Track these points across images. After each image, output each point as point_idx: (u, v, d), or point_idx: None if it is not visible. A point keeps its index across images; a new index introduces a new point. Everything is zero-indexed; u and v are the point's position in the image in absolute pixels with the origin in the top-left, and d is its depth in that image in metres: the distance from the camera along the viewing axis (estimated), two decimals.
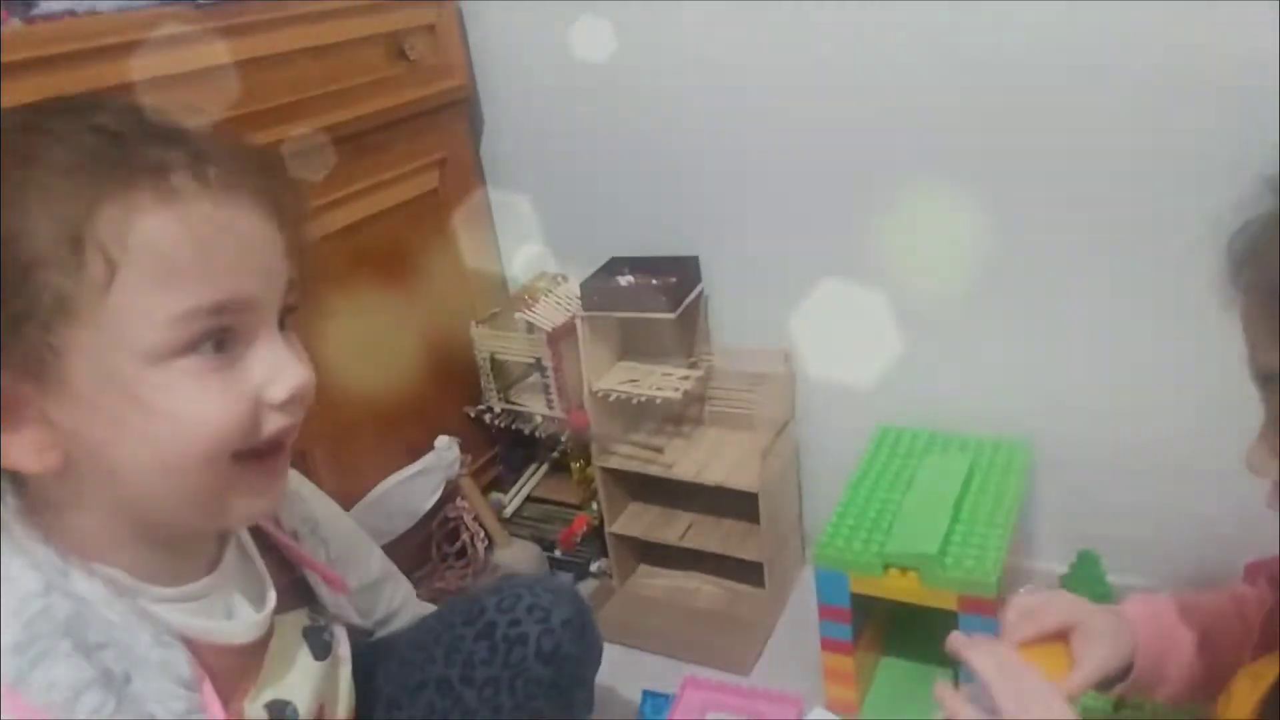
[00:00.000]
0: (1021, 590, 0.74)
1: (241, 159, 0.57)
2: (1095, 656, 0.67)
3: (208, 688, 0.60)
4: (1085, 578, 1.15)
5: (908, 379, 1.20)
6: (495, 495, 1.39)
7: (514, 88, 1.31)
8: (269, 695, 0.66)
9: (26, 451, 0.53)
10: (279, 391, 0.56)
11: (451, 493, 1.31)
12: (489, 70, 1.31)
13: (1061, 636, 0.68)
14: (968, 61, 1.03)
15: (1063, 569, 1.17)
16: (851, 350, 1.22)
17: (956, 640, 0.69)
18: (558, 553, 1.36)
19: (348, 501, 1.17)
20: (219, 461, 0.56)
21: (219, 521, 0.63)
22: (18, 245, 0.49)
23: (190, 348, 0.53)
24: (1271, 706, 0.56)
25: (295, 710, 0.67)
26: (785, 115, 1.15)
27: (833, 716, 1.10)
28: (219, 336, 0.54)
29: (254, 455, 0.58)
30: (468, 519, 1.31)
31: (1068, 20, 0.97)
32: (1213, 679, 0.66)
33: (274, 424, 0.57)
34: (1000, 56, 1.01)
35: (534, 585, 0.86)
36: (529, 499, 1.40)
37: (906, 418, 1.21)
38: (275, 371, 0.56)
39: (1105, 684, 0.69)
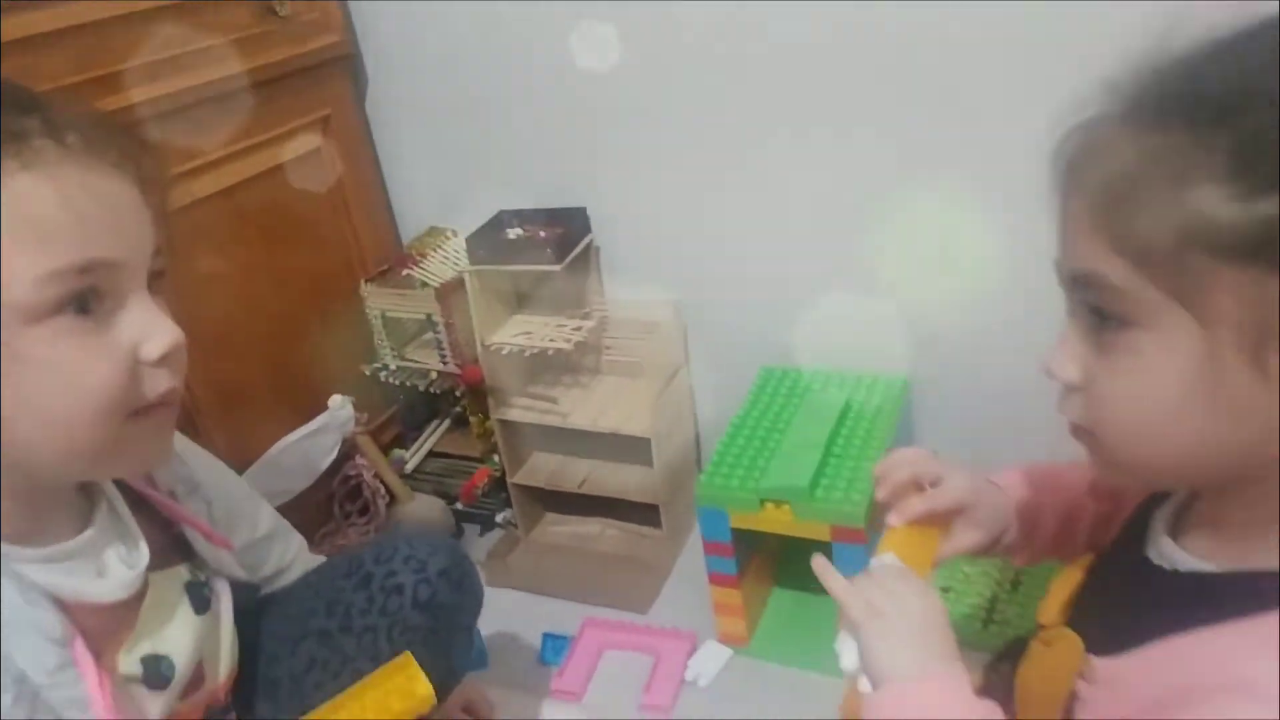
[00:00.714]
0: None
1: (102, 127, 0.58)
2: (970, 538, 0.70)
3: (79, 644, 0.61)
4: None
5: (789, 321, 1.24)
6: (397, 452, 1.41)
7: (397, 43, 1.30)
8: (145, 649, 0.67)
9: None
10: (153, 350, 0.58)
11: (350, 451, 1.32)
12: (370, 27, 1.30)
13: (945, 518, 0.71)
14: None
15: None
16: (736, 296, 1.26)
17: (818, 564, 0.69)
18: (459, 505, 1.38)
19: (243, 463, 1.18)
20: (111, 420, 0.58)
21: (108, 474, 0.66)
22: None
23: (61, 307, 0.55)
24: (1078, 607, 0.61)
25: (171, 664, 0.69)
26: (671, 65, 1.16)
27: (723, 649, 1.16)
28: (88, 298, 0.56)
29: (141, 413, 0.60)
30: (368, 476, 1.32)
31: None
32: (1070, 545, 0.71)
33: (155, 383, 0.60)
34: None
35: (412, 538, 0.90)
36: (432, 454, 1.42)
37: (789, 358, 1.26)
38: (147, 331, 0.58)
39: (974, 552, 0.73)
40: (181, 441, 0.82)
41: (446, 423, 1.43)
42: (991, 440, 1.21)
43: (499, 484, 1.38)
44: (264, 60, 1.16)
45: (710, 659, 1.15)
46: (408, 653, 0.80)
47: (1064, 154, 0.47)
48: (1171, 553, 0.53)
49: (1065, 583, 0.63)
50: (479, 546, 1.40)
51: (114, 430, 0.58)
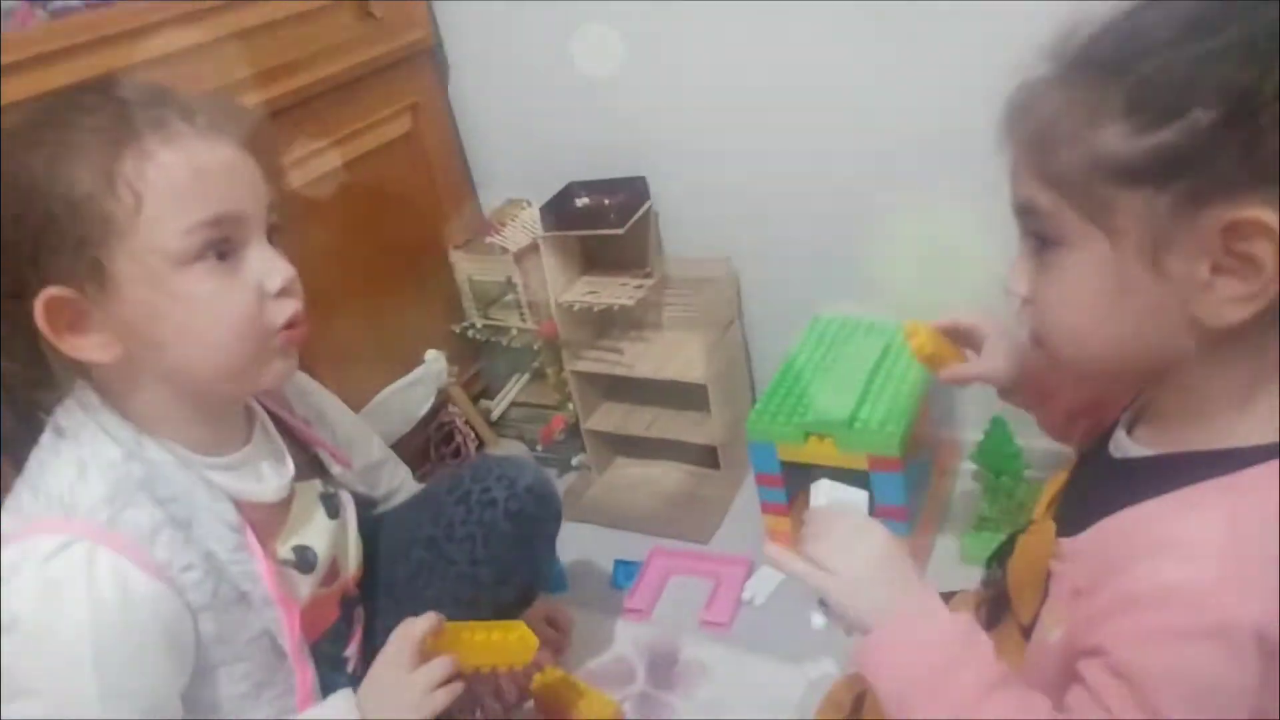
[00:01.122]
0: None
1: (221, 109, 0.74)
2: (990, 364, 0.83)
3: (249, 533, 0.78)
4: (998, 440, 1.30)
5: (836, 274, 1.33)
6: (484, 402, 1.57)
7: (475, 36, 1.44)
8: (294, 541, 0.85)
9: (94, 347, 0.71)
10: (274, 283, 0.75)
11: (444, 401, 1.48)
12: (451, 22, 1.45)
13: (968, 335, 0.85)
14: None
15: (979, 436, 1.33)
16: (787, 252, 1.37)
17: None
18: (539, 449, 1.53)
19: (352, 409, 1.35)
20: (248, 340, 0.74)
21: (251, 386, 0.81)
22: (71, 189, 0.67)
23: (203, 253, 0.71)
24: (1059, 502, 0.71)
25: (315, 554, 0.86)
26: (717, 55, 1.28)
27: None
28: (221, 246, 0.72)
29: (273, 336, 0.76)
30: (459, 423, 1.48)
31: None
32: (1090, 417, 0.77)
33: (279, 311, 0.76)
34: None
35: (503, 460, 1.05)
36: (514, 404, 1.58)
37: (837, 308, 1.36)
38: (268, 269, 0.75)
39: (1003, 392, 0.86)
40: (309, 381, 1.00)
41: (526, 375, 1.58)
42: None
43: (574, 430, 1.53)
44: (362, 57, 1.32)
45: (765, 581, 1.27)
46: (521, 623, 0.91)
47: (1008, 107, 0.57)
48: (1123, 444, 0.62)
49: (1053, 484, 0.72)
50: (558, 487, 1.55)
51: (253, 349, 0.74)
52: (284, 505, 0.85)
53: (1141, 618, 0.53)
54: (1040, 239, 0.56)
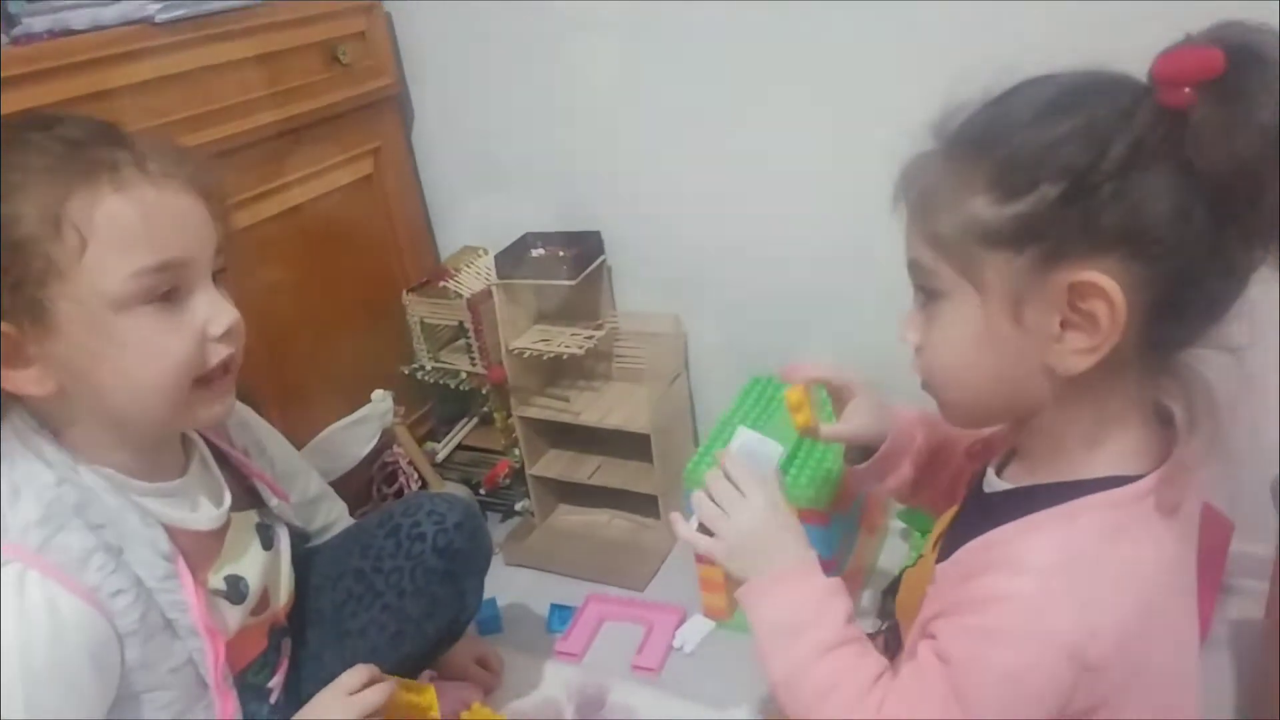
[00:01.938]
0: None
1: (173, 154, 0.76)
2: (855, 423, 0.88)
3: (180, 562, 0.79)
4: None
5: (777, 336, 1.39)
6: (430, 444, 1.59)
7: (439, 82, 1.50)
8: (227, 570, 0.86)
9: (30, 381, 0.72)
10: (217, 327, 0.76)
11: (389, 440, 1.49)
12: (417, 67, 1.50)
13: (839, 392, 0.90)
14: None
15: None
16: (731, 313, 1.43)
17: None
18: (483, 493, 1.55)
19: (296, 445, 1.36)
20: (181, 385, 0.75)
21: (184, 426, 0.83)
22: (14, 228, 0.68)
23: (147, 298, 0.72)
24: (944, 542, 0.75)
25: (247, 584, 0.87)
26: (677, 120, 1.33)
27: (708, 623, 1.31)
28: (166, 289, 0.73)
29: (207, 379, 0.77)
30: (403, 463, 1.50)
31: None
32: (932, 490, 0.88)
33: (218, 354, 0.77)
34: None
35: (434, 496, 1.07)
36: (460, 447, 1.59)
37: (776, 368, 1.40)
38: (213, 312, 0.76)
39: (852, 456, 0.91)
40: (251, 414, 1.01)
41: (474, 419, 1.60)
42: None
43: (519, 475, 1.55)
44: (327, 100, 1.35)
45: (696, 629, 1.30)
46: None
47: (901, 175, 0.64)
48: (993, 481, 0.69)
49: (941, 523, 0.79)
50: (499, 531, 1.57)
51: (187, 392, 0.76)
52: (218, 534, 0.86)
53: (969, 618, 0.60)
54: (926, 292, 0.63)
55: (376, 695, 0.88)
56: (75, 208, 0.69)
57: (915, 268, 0.63)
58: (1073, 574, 0.57)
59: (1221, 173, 0.51)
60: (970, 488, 0.75)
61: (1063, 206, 0.54)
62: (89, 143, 0.71)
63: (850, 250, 1.29)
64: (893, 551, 1.39)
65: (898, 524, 1.42)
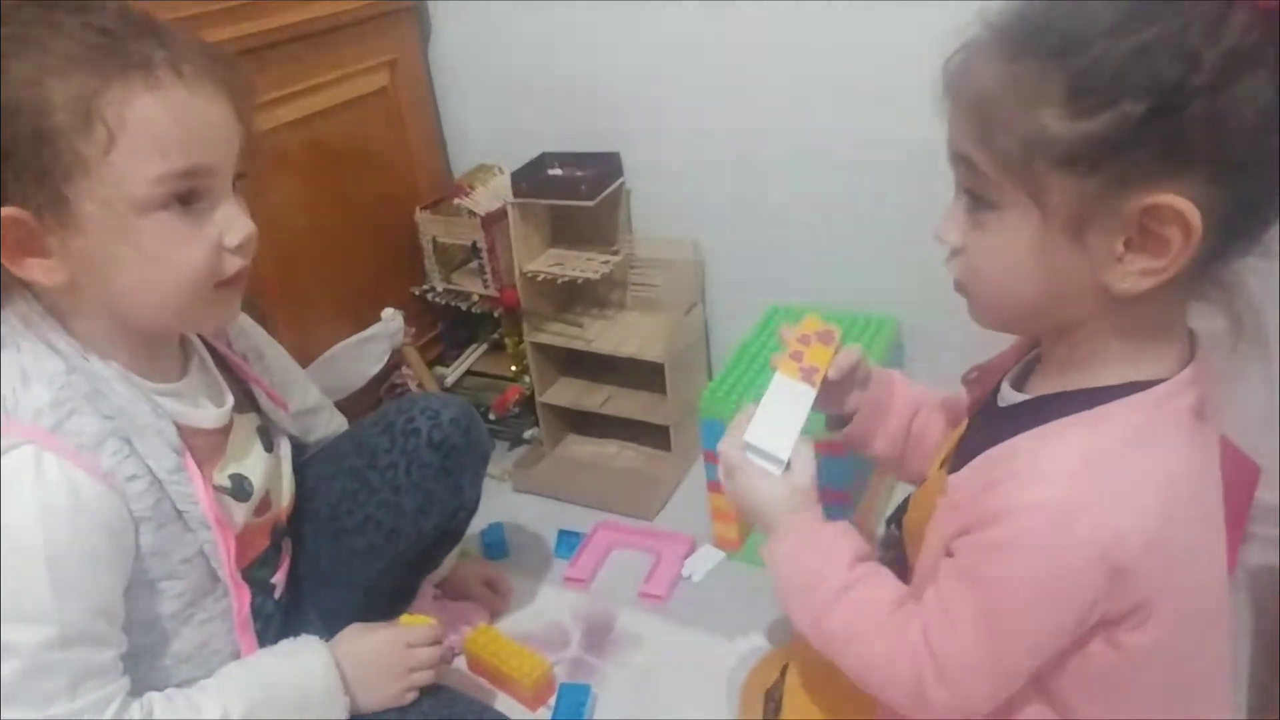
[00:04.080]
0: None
1: (207, 56, 0.73)
2: (849, 360, 0.85)
3: (189, 456, 0.78)
4: None
5: (797, 264, 1.36)
6: (439, 369, 1.56)
7: None
8: (231, 469, 0.85)
9: (41, 270, 0.70)
10: (233, 239, 0.74)
11: (398, 362, 1.47)
12: None
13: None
14: None
15: None
16: (751, 240, 1.39)
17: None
18: (492, 418, 1.53)
19: (305, 360, 1.34)
20: (196, 293, 0.74)
21: (193, 328, 0.83)
22: (42, 117, 0.65)
23: (169, 203, 0.70)
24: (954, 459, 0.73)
25: (250, 483, 0.86)
26: (699, 39, 1.28)
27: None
28: (189, 196, 0.71)
29: (221, 285, 0.76)
30: (412, 385, 1.47)
31: None
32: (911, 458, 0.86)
33: (232, 264, 0.76)
34: None
35: (429, 395, 1.06)
36: (470, 373, 1.57)
37: (795, 297, 1.38)
38: (230, 224, 0.74)
39: (836, 421, 0.90)
40: (249, 321, 1.00)
41: (485, 345, 1.57)
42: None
43: (529, 403, 1.53)
44: (344, 5, 1.31)
45: (705, 559, 1.29)
46: None
47: (949, 69, 0.59)
48: (1008, 395, 0.67)
49: (947, 442, 0.76)
50: (508, 459, 1.55)
51: (202, 296, 0.74)
52: (222, 434, 0.85)
53: (991, 531, 0.58)
54: (974, 197, 0.59)
55: (429, 655, 0.91)
56: (107, 103, 0.66)
57: (966, 168, 0.59)
58: (1097, 477, 0.56)
59: None
60: (978, 408, 0.73)
61: (1145, 126, 0.51)
62: (124, 34, 0.68)
63: (873, 177, 1.25)
64: (906, 486, 1.37)
65: None
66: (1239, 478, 1.04)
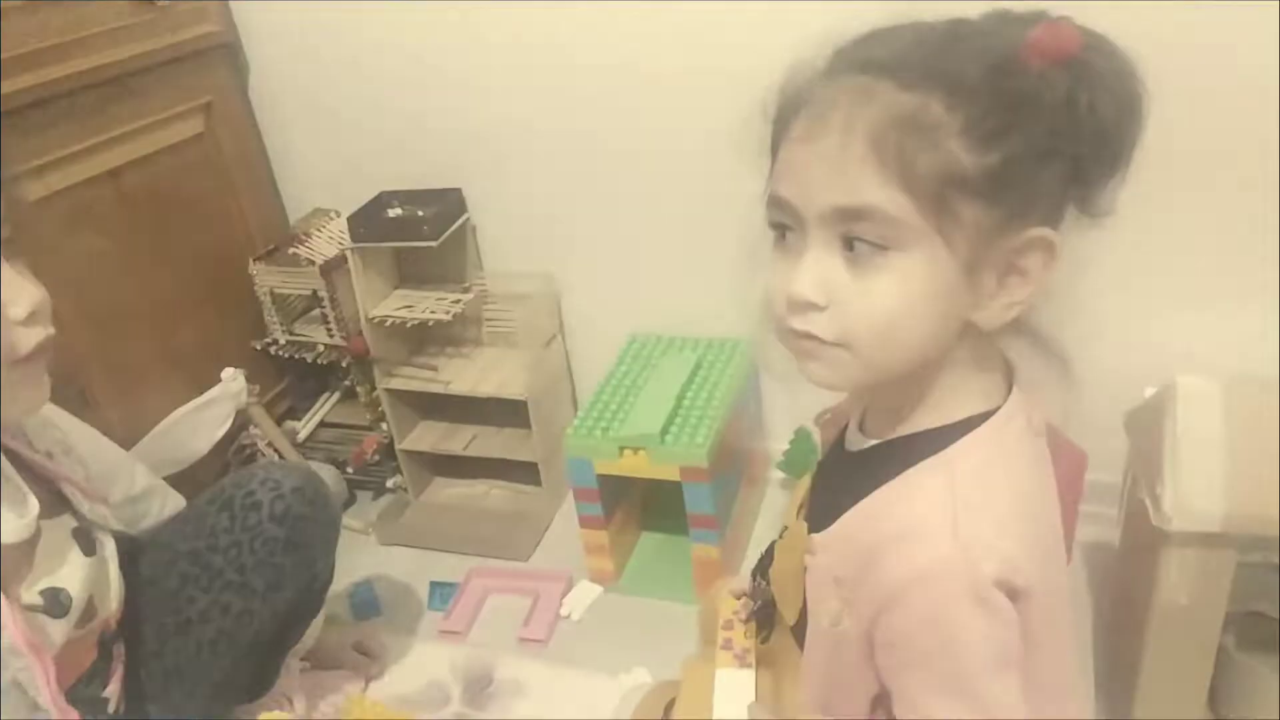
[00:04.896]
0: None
1: None
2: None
3: None
4: (802, 448, 1.37)
5: (651, 290, 1.37)
6: (290, 424, 1.48)
7: (275, 33, 1.37)
8: (44, 584, 0.77)
9: None
10: (19, 310, 0.67)
11: (244, 422, 1.38)
12: (249, 17, 1.36)
13: None
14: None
15: (785, 446, 1.39)
16: (605, 269, 1.38)
17: None
18: (350, 471, 1.46)
19: (139, 434, 1.24)
20: None
21: None
22: None
23: None
24: (808, 505, 0.73)
25: (68, 595, 0.78)
26: (534, 63, 1.26)
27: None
28: None
29: (19, 363, 0.68)
30: (262, 445, 1.39)
31: None
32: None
33: (26, 337, 0.68)
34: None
35: (268, 465, 1.00)
36: (323, 424, 1.50)
37: (652, 326, 1.39)
38: (10, 295, 0.67)
39: None
40: (54, 410, 0.91)
41: (336, 394, 1.50)
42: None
43: (389, 451, 1.47)
44: (141, 49, 1.22)
45: (583, 595, 1.27)
46: None
47: (808, 100, 0.56)
48: (855, 439, 0.66)
49: (799, 489, 0.75)
50: (371, 510, 1.49)
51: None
52: (27, 546, 0.76)
53: (903, 607, 0.57)
54: (859, 243, 0.55)
55: None
56: None
57: (864, 215, 0.54)
58: (970, 518, 0.56)
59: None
60: (828, 449, 0.73)
61: (1038, 161, 0.52)
62: None
63: (723, 197, 1.26)
64: (774, 503, 1.40)
65: (777, 474, 1.43)
66: (1071, 466, 1.12)
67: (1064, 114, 0.52)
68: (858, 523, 0.61)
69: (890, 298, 0.55)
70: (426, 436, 1.46)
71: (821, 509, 0.66)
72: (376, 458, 1.47)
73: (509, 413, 1.39)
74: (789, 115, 0.58)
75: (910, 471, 0.59)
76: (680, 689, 0.85)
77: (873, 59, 0.55)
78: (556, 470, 1.42)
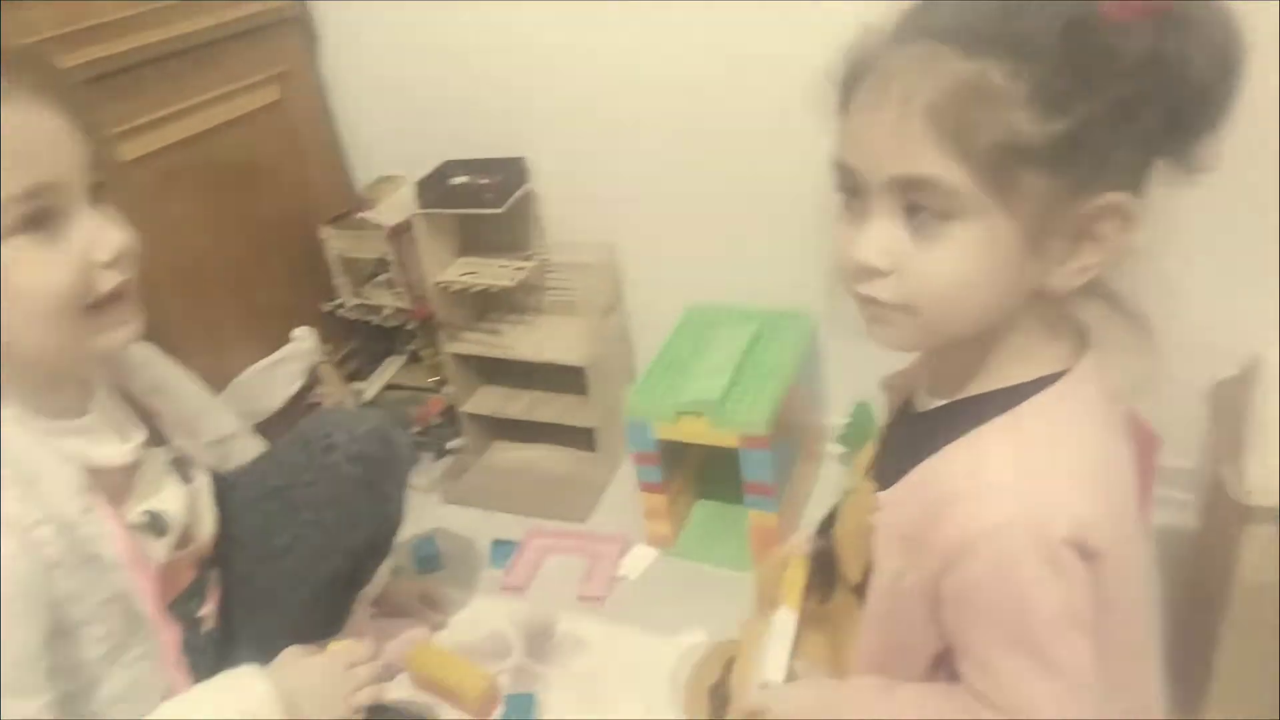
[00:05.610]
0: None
1: (31, 65, 0.70)
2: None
3: (98, 495, 0.76)
4: (862, 423, 1.37)
5: (712, 261, 1.37)
6: (357, 384, 1.53)
7: (346, 4, 1.39)
8: (145, 505, 0.83)
9: None
10: (104, 252, 0.72)
11: (314, 381, 1.43)
12: None
13: None
14: None
15: (845, 420, 1.40)
16: (665, 239, 1.39)
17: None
18: (415, 429, 1.51)
19: (219, 386, 1.29)
20: (67, 314, 0.71)
21: (84, 356, 0.77)
22: None
23: (19, 228, 0.67)
24: (874, 465, 0.74)
25: (167, 519, 0.84)
26: (601, 36, 1.27)
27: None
28: (38, 216, 0.68)
29: (99, 307, 0.73)
30: (329, 405, 1.44)
31: None
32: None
33: (108, 280, 0.73)
34: None
35: (341, 409, 1.05)
36: (388, 387, 1.54)
37: (712, 296, 1.40)
38: (95, 238, 0.71)
39: None
40: (152, 352, 0.97)
41: (402, 358, 1.55)
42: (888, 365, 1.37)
43: (451, 413, 1.51)
44: (219, 19, 1.26)
45: (640, 558, 1.30)
46: None
47: (873, 67, 0.57)
48: (923, 400, 0.68)
49: (866, 451, 0.77)
50: (433, 471, 1.53)
51: (74, 321, 0.72)
52: (130, 470, 0.82)
53: (969, 563, 0.58)
54: (922, 211, 0.56)
55: (369, 674, 0.87)
56: None
57: (923, 185, 0.55)
58: (1039, 476, 0.57)
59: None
60: (894, 414, 0.74)
61: (1110, 126, 0.51)
62: None
63: (784, 171, 1.27)
64: (831, 476, 1.41)
65: (835, 448, 1.44)
66: (1144, 448, 1.11)
67: (1149, 69, 0.51)
68: (925, 480, 0.62)
69: (951, 265, 0.56)
70: (488, 400, 1.50)
71: (889, 469, 0.67)
72: (439, 420, 1.51)
73: (568, 379, 1.42)
74: (855, 81, 0.59)
75: (978, 430, 0.60)
76: (740, 648, 0.88)
77: (938, 24, 0.55)
78: (612, 437, 1.45)
